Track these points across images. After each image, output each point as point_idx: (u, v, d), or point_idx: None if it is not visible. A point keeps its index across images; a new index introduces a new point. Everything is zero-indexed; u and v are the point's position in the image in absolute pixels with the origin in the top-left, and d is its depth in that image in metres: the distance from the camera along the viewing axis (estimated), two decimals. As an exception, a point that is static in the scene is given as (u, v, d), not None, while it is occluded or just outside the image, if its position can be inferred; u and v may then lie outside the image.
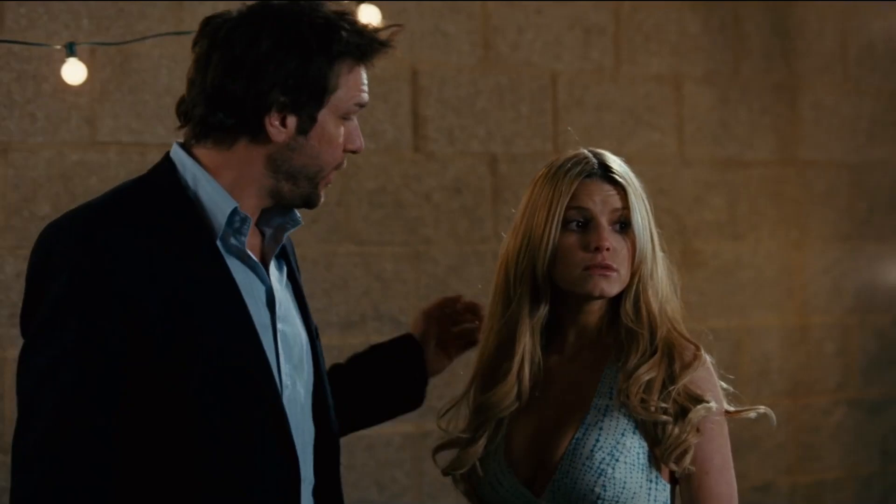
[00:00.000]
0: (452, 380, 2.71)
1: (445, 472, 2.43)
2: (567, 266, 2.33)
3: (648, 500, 2.30)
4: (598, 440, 2.29)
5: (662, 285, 2.38)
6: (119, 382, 2.10)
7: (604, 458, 2.28)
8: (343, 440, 2.46)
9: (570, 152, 2.40)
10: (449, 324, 2.69)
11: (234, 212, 2.20)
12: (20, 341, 2.17)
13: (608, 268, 2.32)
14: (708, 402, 2.30)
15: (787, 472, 4.97)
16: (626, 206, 2.35)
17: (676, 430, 2.28)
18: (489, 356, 2.42)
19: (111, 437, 2.10)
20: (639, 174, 2.40)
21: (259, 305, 2.23)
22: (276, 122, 2.19)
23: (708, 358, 2.35)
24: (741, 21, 4.86)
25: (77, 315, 2.09)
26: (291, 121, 2.20)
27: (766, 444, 4.89)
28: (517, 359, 2.37)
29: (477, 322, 2.65)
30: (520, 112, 4.40)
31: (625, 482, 2.28)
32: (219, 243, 2.20)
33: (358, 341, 4.01)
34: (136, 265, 2.11)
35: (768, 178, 4.93)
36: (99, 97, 3.73)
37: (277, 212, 2.29)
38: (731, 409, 2.36)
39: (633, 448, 2.30)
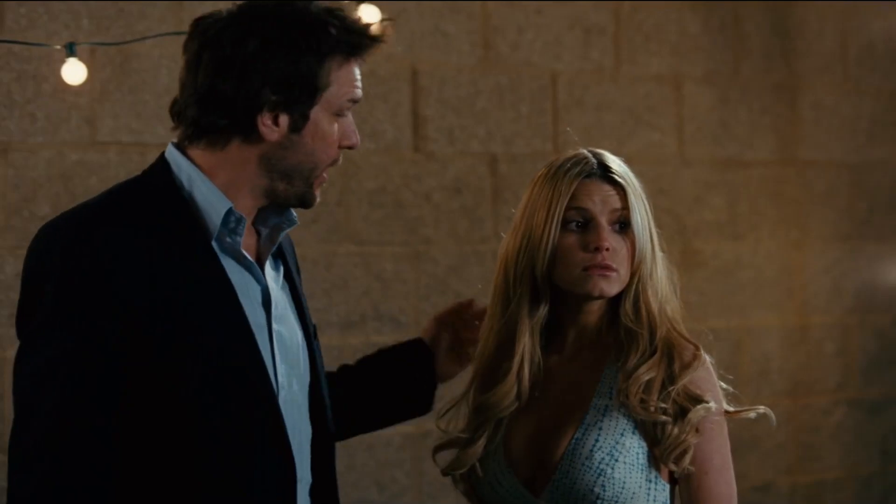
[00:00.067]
0: (452, 380, 2.71)
1: (445, 473, 2.43)
2: (566, 266, 2.33)
3: (648, 501, 2.30)
4: (597, 440, 2.29)
5: (662, 285, 2.38)
6: (118, 382, 2.10)
7: (603, 458, 2.28)
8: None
9: (570, 152, 2.40)
10: (461, 329, 2.69)
11: (229, 212, 2.20)
12: (19, 341, 2.17)
13: (608, 268, 2.32)
14: (707, 402, 2.29)
15: (787, 472, 4.97)
16: (625, 206, 2.35)
17: (676, 431, 2.28)
18: (489, 356, 2.41)
19: (110, 438, 2.10)
20: (639, 174, 2.40)
21: (254, 305, 2.23)
22: (269, 121, 2.19)
23: (707, 358, 2.35)
24: (741, 21, 4.85)
25: (76, 315, 2.09)
26: (284, 119, 2.20)
27: (766, 444, 4.89)
28: (517, 359, 2.37)
29: None
30: (520, 112, 4.40)
31: (624, 482, 2.28)
32: (214, 244, 2.20)
33: (358, 341, 4.01)
34: (133, 265, 2.11)
35: (768, 178, 4.93)
36: (99, 97, 3.73)
37: (273, 211, 2.28)
38: (731, 409, 2.36)
39: (633, 448, 2.30)
